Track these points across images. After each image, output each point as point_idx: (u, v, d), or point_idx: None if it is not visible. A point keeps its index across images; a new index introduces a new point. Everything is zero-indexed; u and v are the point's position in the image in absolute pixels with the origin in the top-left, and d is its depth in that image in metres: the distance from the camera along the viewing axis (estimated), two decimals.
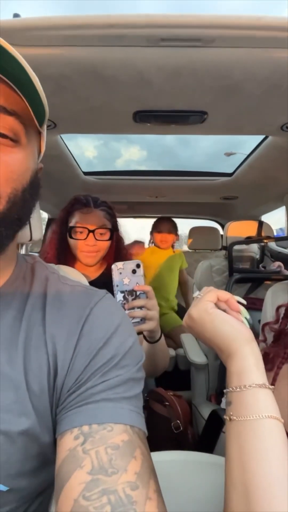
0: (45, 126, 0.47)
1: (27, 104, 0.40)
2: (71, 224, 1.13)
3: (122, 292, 0.79)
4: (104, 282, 1.07)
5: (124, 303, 0.79)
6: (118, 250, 1.18)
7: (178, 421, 1.25)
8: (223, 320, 0.50)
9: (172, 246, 2.56)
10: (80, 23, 0.73)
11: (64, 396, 0.41)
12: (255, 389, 0.41)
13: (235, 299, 0.54)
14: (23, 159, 0.41)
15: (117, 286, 0.79)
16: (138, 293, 0.80)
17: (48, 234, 1.21)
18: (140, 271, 0.81)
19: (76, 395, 0.40)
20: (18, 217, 0.42)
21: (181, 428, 1.24)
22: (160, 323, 0.87)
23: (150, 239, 2.59)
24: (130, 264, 0.80)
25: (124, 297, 0.79)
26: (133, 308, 0.79)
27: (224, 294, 0.54)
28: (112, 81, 0.92)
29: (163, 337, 0.91)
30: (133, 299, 0.80)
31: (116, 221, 1.19)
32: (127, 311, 0.78)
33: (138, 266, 0.80)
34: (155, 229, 2.50)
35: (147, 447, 0.40)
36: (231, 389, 0.44)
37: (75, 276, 0.71)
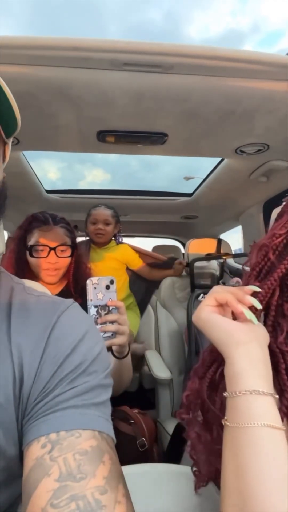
0: (11, 138, 0.48)
1: None
2: (31, 242, 1.11)
3: (95, 306, 0.81)
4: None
5: (97, 318, 0.81)
6: (77, 266, 1.18)
7: (144, 439, 1.23)
8: (214, 324, 0.45)
9: (115, 236, 1.94)
10: (46, 44, 0.76)
11: (30, 406, 0.40)
12: (248, 396, 0.38)
13: (241, 295, 0.46)
14: None
15: (91, 300, 0.81)
16: (110, 308, 0.82)
17: (5, 253, 1.18)
18: (114, 287, 0.83)
19: (43, 403, 0.40)
20: None
21: (147, 446, 1.22)
22: None
23: (85, 231, 1.97)
24: (105, 280, 0.82)
25: (97, 311, 0.81)
26: (105, 322, 0.81)
27: (223, 296, 0.46)
28: (77, 101, 0.95)
29: (129, 354, 0.92)
30: (105, 314, 0.82)
31: (75, 238, 1.19)
32: (99, 325, 0.80)
33: (112, 282, 0.83)
34: (89, 218, 1.89)
35: (116, 453, 0.40)
36: (226, 394, 0.41)
37: (40, 289, 0.71)
